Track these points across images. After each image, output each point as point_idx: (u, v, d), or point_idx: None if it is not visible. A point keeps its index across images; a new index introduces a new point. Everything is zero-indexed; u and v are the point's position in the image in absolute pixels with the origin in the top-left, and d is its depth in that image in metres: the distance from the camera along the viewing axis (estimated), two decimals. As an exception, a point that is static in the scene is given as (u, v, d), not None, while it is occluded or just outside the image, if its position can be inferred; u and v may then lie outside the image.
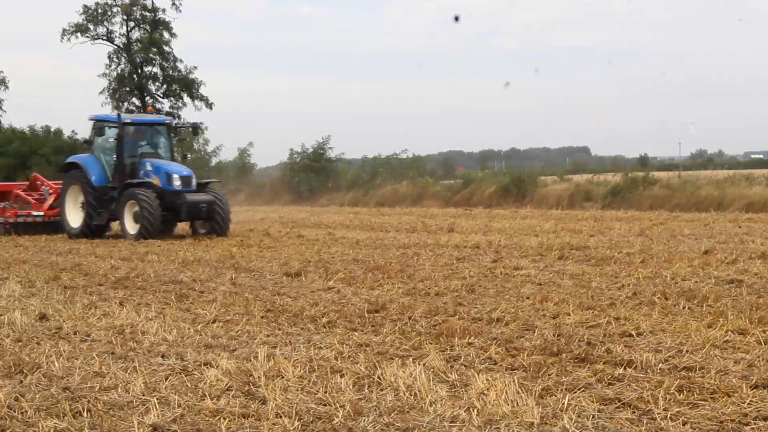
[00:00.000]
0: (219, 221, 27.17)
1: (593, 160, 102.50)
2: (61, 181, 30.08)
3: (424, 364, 8.94)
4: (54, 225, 29.66)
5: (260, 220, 36.86)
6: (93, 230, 27.74)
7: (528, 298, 12.87)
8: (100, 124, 28.17)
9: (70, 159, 29.54)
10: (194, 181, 27.55)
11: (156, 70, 63.88)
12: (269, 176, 65.49)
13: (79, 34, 63.29)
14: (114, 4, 62.88)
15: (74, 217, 28.42)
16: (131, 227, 26.53)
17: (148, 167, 27.44)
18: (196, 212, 27.16)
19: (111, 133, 28.14)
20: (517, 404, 7.47)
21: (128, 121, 28.23)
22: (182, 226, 29.27)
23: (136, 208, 26.36)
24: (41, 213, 30.02)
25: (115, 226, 29.00)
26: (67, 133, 65.70)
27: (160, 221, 26.37)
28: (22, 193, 30.89)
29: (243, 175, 58.55)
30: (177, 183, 27.05)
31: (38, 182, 31.61)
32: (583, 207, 39.63)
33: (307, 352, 9.81)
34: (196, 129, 29.73)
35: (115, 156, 27.96)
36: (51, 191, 30.63)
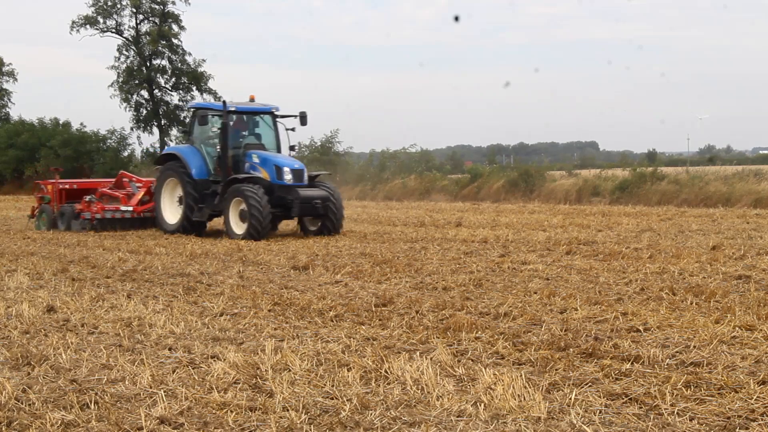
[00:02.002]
0: (332, 219, 24.82)
1: (601, 155, 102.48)
2: (151, 178, 28.61)
3: (431, 359, 8.94)
4: (143, 221, 27.74)
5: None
6: (192, 226, 25.63)
7: (535, 292, 12.87)
8: (202, 113, 25.84)
9: (168, 150, 27.67)
10: (306, 175, 25.09)
11: (165, 62, 64.00)
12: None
13: (88, 26, 63.53)
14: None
15: (170, 212, 26.38)
16: (237, 226, 24.22)
17: (255, 159, 25.01)
18: (309, 209, 24.56)
19: (213, 122, 25.94)
20: (524, 399, 7.47)
21: (233, 109, 25.58)
22: (285, 222, 26.96)
23: (243, 206, 23.97)
24: (130, 208, 27.72)
25: (213, 221, 27.02)
26: (75, 125, 65.96)
27: (269, 220, 23.90)
28: (108, 191, 28.72)
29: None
30: (288, 177, 24.58)
31: (125, 179, 29.20)
32: (590, 202, 39.58)
33: (315, 345, 9.82)
34: (303, 117, 26.03)
35: (218, 147, 25.57)
36: (140, 185, 28.53)
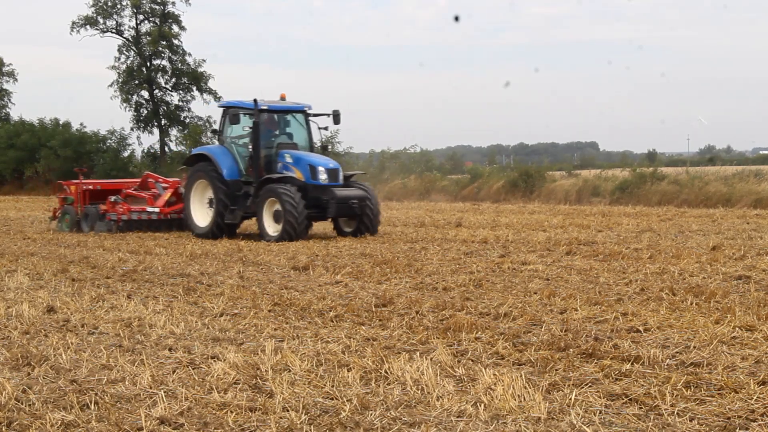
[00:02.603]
0: (369, 219, 24.04)
1: (601, 156, 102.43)
2: (176, 178, 28.25)
3: (431, 359, 8.95)
4: (169, 223, 27.00)
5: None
6: (224, 229, 24.76)
7: (535, 293, 12.87)
8: (234, 111, 24.97)
9: (197, 150, 26.44)
10: (341, 174, 24.38)
11: (165, 63, 64.00)
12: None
13: (88, 26, 63.48)
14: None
15: (200, 214, 25.43)
16: (271, 228, 23.53)
17: (288, 159, 24.28)
18: (346, 209, 23.79)
19: (244, 121, 25.08)
20: (524, 399, 7.47)
21: (265, 107, 24.67)
22: (317, 224, 26.26)
23: (278, 207, 23.32)
24: (156, 209, 26.96)
25: (246, 224, 26.49)
26: (75, 125, 65.94)
27: (305, 220, 23.32)
28: (133, 192, 27.95)
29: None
30: (323, 177, 23.85)
31: (150, 180, 28.41)
32: (590, 202, 39.59)
33: (315, 345, 9.82)
34: (337, 116, 25.24)
35: (250, 147, 24.66)
36: (166, 186, 27.82)
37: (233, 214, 24.57)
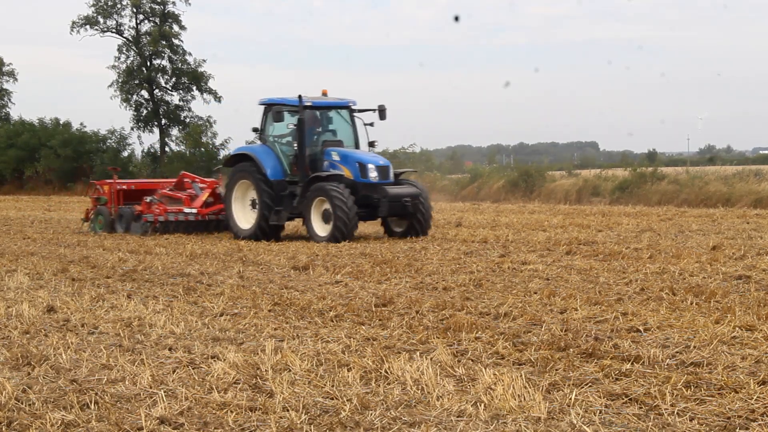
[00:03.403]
0: (420, 219, 23.12)
1: (601, 155, 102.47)
2: (212, 178, 27.51)
3: (431, 359, 8.95)
4: (206, 224, 26.10)
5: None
6: (269, 231, 23.73)
7: (535, 293, 12.87)
8: (277, 108, 23.66)
9: (238, 150, 25.30)
10: (392, 172, 23.46)
11: (165, 63, 64.01)
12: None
13: (88, 26, 63.47)
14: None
15: (243, 216, 24.46)
16: (320, 228, 22.67)
17: (335, 157, 23.40)
18: (399, 208, 22.81)
19: (288, 119, 23.97)
20: (524, 399, 7.47)
21: (309, 104, 23.67)
22: (364, 225, 24.91)
23: (327, 206, 22.43)
24: (194, 210, 26.05)
25: (289, 225, 25.57)
26: (75, 125, 65.96)
27: (355, 220, 22.45)
28: (169, 192, 27.04)
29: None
30: (373, 174, 22.94)
31: (186, 180, 27.59)
32: (591, 202, 39.58)
33: (315, 345, 9.82)
34: (382, 111, 24.17)
35: (295, 145, 23.77)
36: (203, 186, 26.92)
37: (278, 215, 23.65)
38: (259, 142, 24.94)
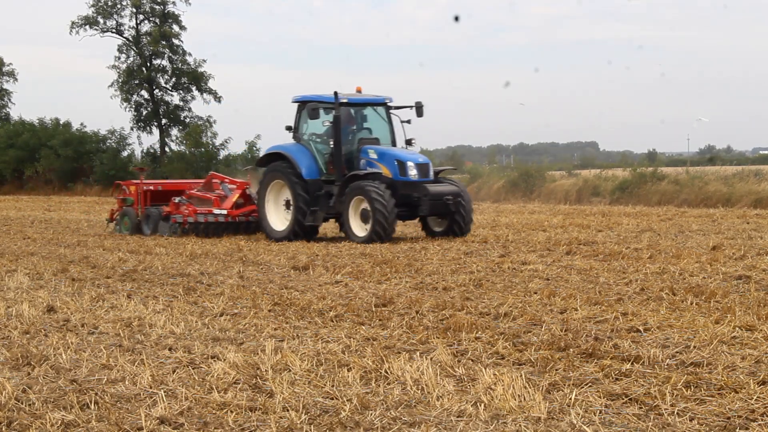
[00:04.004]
0: (461, 218, 22.48)
1: (601, 155, 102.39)
2: (240, 179, 26.57)
3: (431, 359, 8.95)
4: (236, 225, 25.30)
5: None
6: (304, 232, 23.11)
7: (535, 293, 12.87)
8: (312, 106, 23.09)
9: (271, 149, 24.46)
10: (432, 170, 22.88)
11: (165, 63, 64.01)
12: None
13: (88, 26, 63.48)
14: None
15: (276, 217, 23.78)
16: (358, 228, 22.06)
17: (372, 155, 22.76)
18: (440, 206, 22.21)
19: (323, 116, 23.44)
20: (524, 399, 7.47)
21: (345, 100, 23.01)
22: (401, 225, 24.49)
23: (365, 205, 21.80)
24: (224, 211, 25.19)
25: (324, 226, 24.77)
26: (75, 125, 65.97)
27: (395, 219, 21.86)
28: (197, 193, 26.24)
29: (253, 168, 58.64)
30: (413, 172, 22.32)
31: (215, 180, 26.83)
32: (591, 202, 39.59)
33: (315, 345, 9.82)
34: (419, 108, 23.66)
35: (331, 143, 23.08)
36: (233, 187, 26.07)
37: (314, 215, 23.05)
38: (292, 140, 24.14)
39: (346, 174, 22.69)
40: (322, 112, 23.32)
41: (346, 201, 22.24)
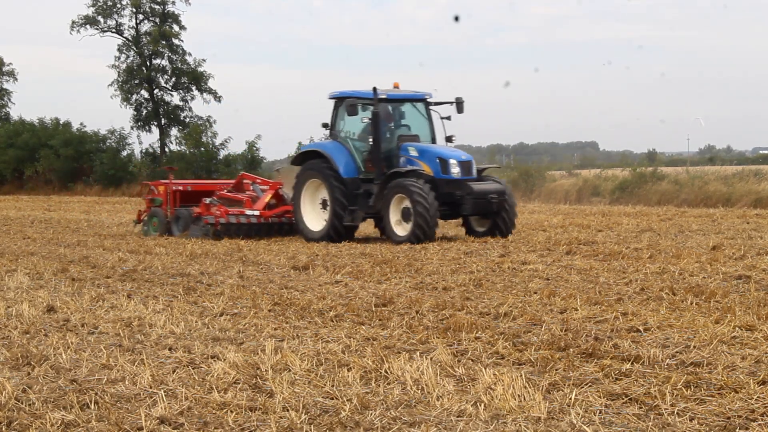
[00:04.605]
0: (505, 218, 21.87)
1: (601, 155, 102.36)
2: (270, 180, 26.03)
3: (431, 359, 8.95)
4: (269, 227, 24.61)
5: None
6: (342, 232, 22.46)
7: (535, 292, 12.87)
8: (351, 102, 22.33)
9: (307, 147, 24.11)
10: (475, 168, 22.23)
11: (165, 62, 64.03)
12: (278, 170, 65.59)
13: (88, 26, 63.51)
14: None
15: (312, 217, 23.09)
16: (399, 227, 21.42)
17: (412, 152, 22.09)
18: (484, 205, 21.57)
19: (361, 112, 22.83)
20: (524, 399, 7.47)
21: (384, 96, 22.36)
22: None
23: (406, 203, 21.16)
24: (256, 212, 24.46)
25: (362, 227, 24.03)
26: (75, 125, 65.95)
27: (437, 218, 21.20)
28: (227, 194, 25.59)
29: (251, 168, 58.74)
30: (455, 170, 21.67)
31: (246, 180, 26.34)
32: (591, 202, 39.60)
33: (315, 345, 9.82)
34: (460, 104, 22.96)
35: (370, 140, 22.44)
36: (265, 188, 25.53)
37: (353, 215, 22.38)
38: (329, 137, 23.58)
39: (385, 172, 22.11)
40: (360, 108, 22.69)
41: (386, 199, 21.62)
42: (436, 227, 21.41)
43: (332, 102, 23.44)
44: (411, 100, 23.35)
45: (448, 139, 23.15)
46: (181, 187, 26.35)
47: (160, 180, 27.49)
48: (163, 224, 25.50)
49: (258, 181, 26.19)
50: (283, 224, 24.74)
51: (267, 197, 25.03)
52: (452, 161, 21.79)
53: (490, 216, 21.99)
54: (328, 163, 22.64)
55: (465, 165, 21.91)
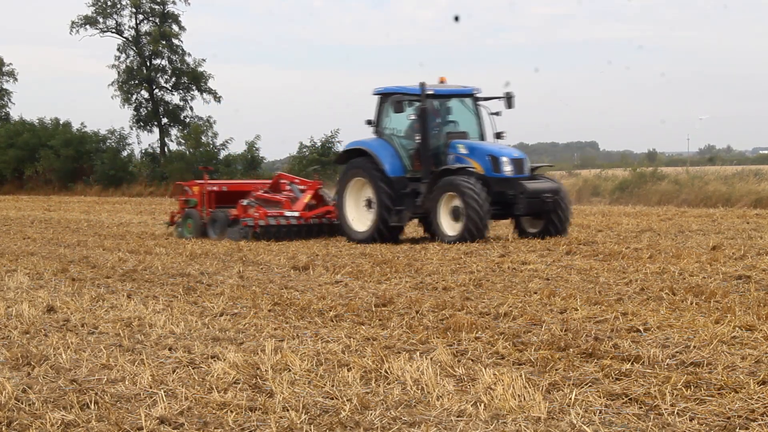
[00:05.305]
0: (559, 217, 21.12)
1: (601, 155, 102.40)
2: (308, 180, 25.21)
3: (431, 359, 8.95)
4: (309, 228, 23.85)
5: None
6: (389, 233, 21.76)
7: (535, 292, 12.86)
8: (398, 98, 21.57)
9: (351, 145, 23.06)
10: (528, 166, 21.48)
11: (165, 63, 64.03)
12: (277, 170, 65.63)
13: (88, 26, 63.55)
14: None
15: (358, 218, 22.45)
16: (449, 227, 20.67)
17: (462, 150, 21.35)
18: (537, 205, 20.82)
19: (408, 109, 22.07)
20: (524, 399, 7.47)
21: (432, 92, 21.76)
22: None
23: (457, 202, 20.43)
24: (296, 213, 23.70)
25: (408, 228, 23.52)
26: (75, 125, 65.97)
27: (489, 217, 20.43)
28: (265, 195, 24.84)
29: (252, 168, 58.78)
30: (507, 168, 20.91)
31: (283, 181, 25.54)
32: (590, 202, 39.54)
33: (315, 345, 9.82)
34: (510, 99, 22.19)
35: (417, 137, 21.80)
36: (304, 188, 24.77)
37: (399, 215, 21.67)
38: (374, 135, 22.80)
39: (433, 171, 21.44)
40: (406, 105, 21.89)
41: (436, 198, 20.90)
42: (488, 227, 20.78)
43: (376, 98, 22.79)
44: (459, 96, 22.62)
45: (498, 135, 22.45)
46: (216, 188, 25.53)
47: (195, 180, 26.69)
48: (199, 226, 24.57)
49: (296, 181, 25.46)
50: (323, 225, 24.11)
51: (306, 198, 24.39)
52: (504, 159, 21.07)
53: (543, 216, 21.25)
54: (373, 161, 21.99)
55: (518, 163, 21.19)
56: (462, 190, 20.26)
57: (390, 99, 22.09)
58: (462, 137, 21.99)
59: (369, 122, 22.88)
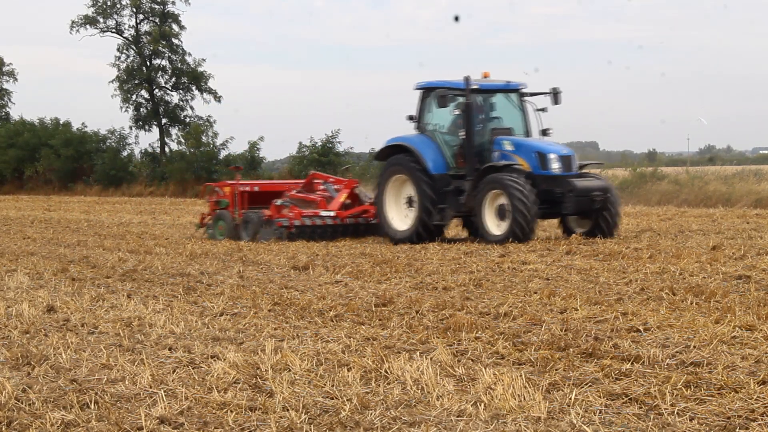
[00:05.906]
0: (608, 218, 20.45)
1: (601, 155, 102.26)
2: (341, 178, 25.06)
3: (431, 358, 8.95)
4: (345, 228, 23.40)
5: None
6: (430, 232, 21.09)
7: (535, 292, 12.86)
8: (441, 93, 21.04)
9: (392, 141, 22.19)
10: (576, 164, 20.85)
11: (165, 62, 64.02)
12: (277, 170, 65.59)
13: (88, 26, 63.53)
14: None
15: (398, 216, 21.81)
16: (494, 226, 20.02)
17: (507, 146, 20.72)
18: (586, 204, 20.17)
19: (452, 104, 21.34)
20: (524, 399, 7.47)
21: (477, 87, 21.04)
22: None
23: (503, 200, 19.77)
24: (332, 213, 23.18)
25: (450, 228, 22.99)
26: (75, 125, 65.97)
27: (537, 216, 19.83)
28: (299, 194, 24.24)
29: (252, 168, 58.79)
30: (555, 166, 20.32)
31: (317, 180, 24.96)
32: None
33: (315, 345, 9.82)
34: (557, 95, 21.76)
35: (461, 133, 21.14)
36: (340, 187, 24.19)
37: (442, 213, 21.08)
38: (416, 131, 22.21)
39: (478, 168, 20.78)
40: (450, 100, 21.18)
41: (480, 195, 20.22)
42: (536, 226, 20.14)
43: (418, 93, 22.28)
44: (504, 91, 22.04)
45: (544, 132, 21.87)
46: (248, 188, 24.86)
47: (226, 181, 26.10)
48: (231, 228, 23.93)
49: (330, 180, 24.93)
50: (359, 225, 23.66)
51: (342, 197, 23.85)
52: (552, 156, 20.49)
53: (592, 215, 20.65)
54: (414, 158, 21.40)
55: (566, 160, 20.60)
56: (508, 189, 19.65)
57: (433, 94, 21.58)
58: (507, 133, 21.37)
59: (410, 118, 22.27)
